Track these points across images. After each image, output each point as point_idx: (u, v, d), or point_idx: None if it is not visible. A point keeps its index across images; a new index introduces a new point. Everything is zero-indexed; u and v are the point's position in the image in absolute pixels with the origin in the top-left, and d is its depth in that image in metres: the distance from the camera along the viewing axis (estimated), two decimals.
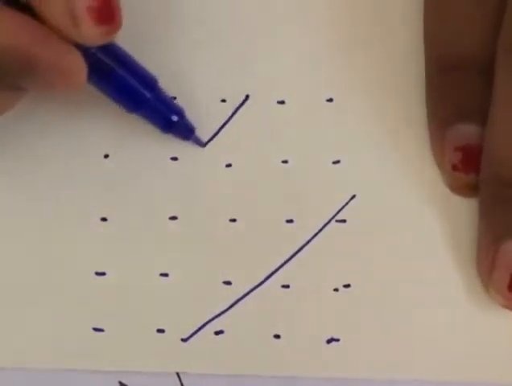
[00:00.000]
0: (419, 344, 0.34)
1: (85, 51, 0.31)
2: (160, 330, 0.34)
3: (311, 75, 0.36)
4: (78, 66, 0.30)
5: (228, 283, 0.35)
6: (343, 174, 0.36)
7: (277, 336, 0.34)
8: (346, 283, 0.35)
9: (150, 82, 0.33)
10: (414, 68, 0.36)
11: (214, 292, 0.35)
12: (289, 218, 0.35)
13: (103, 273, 0.35)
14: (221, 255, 0.35)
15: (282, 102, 0.36)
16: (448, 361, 0.34)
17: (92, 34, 0.30)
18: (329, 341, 0.34)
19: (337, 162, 0.36)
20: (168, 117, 0.34)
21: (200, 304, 0.35)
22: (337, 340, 0.34)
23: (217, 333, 0.34)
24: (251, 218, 0.35)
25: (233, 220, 0.35)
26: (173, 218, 0.35)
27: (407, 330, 0.34)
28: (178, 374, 0.34)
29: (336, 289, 0.35)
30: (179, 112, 0.34)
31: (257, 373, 0.34)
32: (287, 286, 0.35)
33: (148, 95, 0.33)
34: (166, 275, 0.35)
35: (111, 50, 0.32)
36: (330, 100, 0.36)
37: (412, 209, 0.35)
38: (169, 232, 0.35)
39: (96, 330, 0.34)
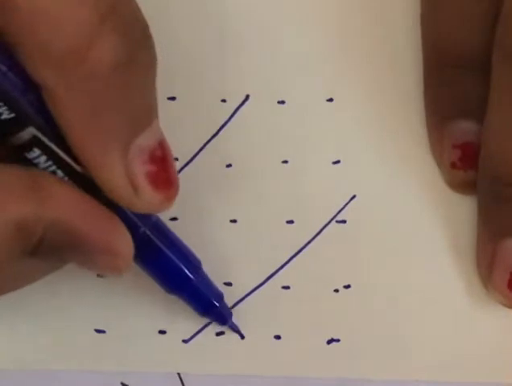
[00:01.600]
0: (419, 344, 0.35)
1: (135, 231, 0.30)
2: (162, 332, 0.35)
3: (312, 76, 0.36)
4: (127, 250, 0.29)
5: (228, 284, 0.35)
6: (343, 175, 0.36)
7: (277, 337, 0.35)
8: (346, 284, 0.35)
9: (194, 264, 0.32)
10: (414, 68, 0.36)
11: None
12: (289, 219, 0.35)
13: None
14: (222, 256, 0.35)
15: (282, 102, 0.36)
16: (448, 361, 0.34)
17: (151, 201, 0.28)
18: (329, 341, 0.35)
19: (337, 162, 0.36)
20: (208, 301, 0.33)
21: None
22: (337, 341, 0.35)
23: (218, 334, 0.35)
24: (251, 219, 0.35)
25: (234, 221, 0.35)
26: (173, 219, 0.35)
27: (407, 330, 0.35)
28: (179, 374, 0.35)
29: (336, 290, 0.35)
30: (219, 297, 0.33)
31: (258, 373, 0.34)
32: (288, 287, 0.35)
33: (192, 278, 0.32)
34: None
35: (160, 229, 0.31)
36: (330, 100, 0.36)
37: (412, 209, 0.35)
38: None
39: (98, 331, 0.35)
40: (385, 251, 0.35)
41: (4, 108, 0.27)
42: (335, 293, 0.35)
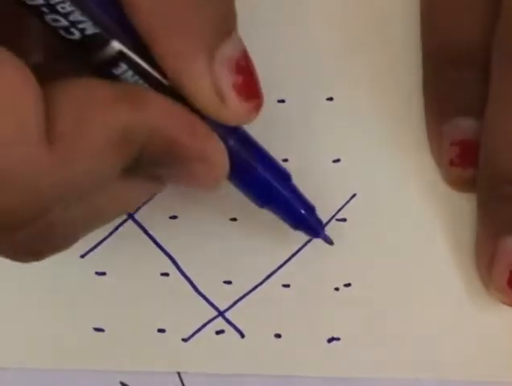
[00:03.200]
0: (419, 343, 0.34)
1: (224, 143, 0.29)
2: (161, 330, 0.34)
3: (312, 74, 0.36)
4: (223, 156, 0.29)
5: (228, 282, 0.35)
6: (343, 173, 0.36)
7: (278, 335, 0.35)
8: (347, 282, 0.35)
9: (284, 176, 0.32)
10: (414, 67, 0.36)
11: (215, 291, 0.35)
12: None
13: (103, 273, 0.35)
14: (222, 254, 0.35)
15: (282, 101, 0.36)
16: (448, 359, 0.34)
17: (239, 111, 0.28)
18: (330, 340, 0.35)
19: (337, 160, 0.36)
20: (300, 213, 0.32)
21: (200, 303, 0.35)
22: (338, 339, 0.35)
23: (218, 332, 0.35)
24: (251, 217, 0.35)
25: (234, 219, 0.35)
26: (173, 217, 0.35)
27: (407, 329, 0.35)
28: (179, 373, 0.34)
29: (336, 289, 0.35)
30: (311, 209, 0.33)
31: (257, 372, 0.34)
32: (288, 285, 0.35)
33: (283, 190, 0.31)
34: (167, 274, 0.35)
35: (248, 142, 0.31)
36: (330, 98, 0.36)
37: (412, 207, 0.35)
38: (170, 232, 0.35)
39: (96, 330, 0.34)
40: (385, 249, 0.35)
41: (88, 23, 0.26)
42: (335, 291, 0.35)
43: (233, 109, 0.28)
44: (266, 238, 0.35)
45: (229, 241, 0.35)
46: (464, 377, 0.34)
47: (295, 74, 0.36)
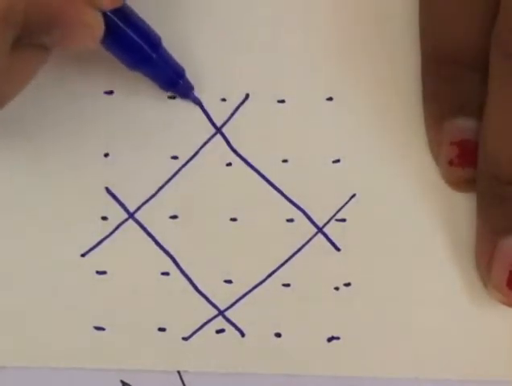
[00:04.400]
0: (418, 342, 0.35)
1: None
2: (161, 329, 0.35)
3: (311, 75, 0.36)
4: (97, 20, 0.31)
5: (229, 282, 0.35)
6: (343, 174, 0.36)
7: (278, 335, 0.35)
8: (347, 282, 0.35)
9: (154, 40, 0.34)
10: (414, 68, 0.36)
11: (215, 290, 0.35)
12: (289, 217, 0.35)
13: (104, 272, 0.35)
14: (222, 254, 0.35)
15: (282, 101, 0.36)
16: (447, 359, 0.34)
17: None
18: (330, 339, 0.35)
19: (337, 161, 0.36)
20: (170, 76, 0.35)
21: (200, 302, 0.35)
22: (338, 338, 0.35)
23: (218, 331, 0.35)
24: (252, 217, 0.35)
25: (234, 219, 0.35)
26: (174, 217, 0.35)
27: (407, 328, 0.35)
28: (179, 372, 0.34)
29: (336, 288, 0.35)
30: (181, 71, 0.35)
31: (258, 371, 0.34)
32: (288, 285, 0.35)
33: (152, 53, 0.34)
34: (167, 274, 0.35)
35: (121, 11, 0.33)
36: (330, 99, 0.36)
37: (412, 208, 0.35)
38: (170, 231, 0.35)
39: (97, 328, 0.35)
40: (385, 249, 0.35)
41: None
42: (335, 291, 0.35)
43: None
44: (266, 237, 0.35)
45: (229, 241, 0.35)
46: (464, 377, 0.34)
47: (295, 74, 0.36)
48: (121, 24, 0.33)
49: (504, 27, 0.33)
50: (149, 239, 0.35)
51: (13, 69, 0.31)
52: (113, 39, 0.33)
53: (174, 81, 0.35)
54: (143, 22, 0.34)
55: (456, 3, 0.34)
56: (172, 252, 0.35)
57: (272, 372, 0.34)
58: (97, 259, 0.35)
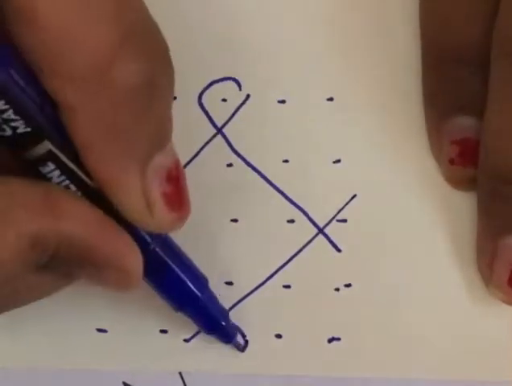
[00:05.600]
0: (419, 342, 0.35)
1: (145, 247, 0.30)
2: (163, 331, 0.35)
3: (312, 75, 0.36)
4: (136, 266, 0.29)
5: (229, 283, 0.35)
6: (343, 174, 0.36)
7: (278, 336, 0.35)
8: (347, 283, 0.35)
9: (201, 282, 0.33)
10: (415, 67, 0.36)
11: (216, 292, 0.35)
12: (290, 218, 0.35)
13: None
14: (223, 255, 0.35)
15: (282, 101, 0.36)
16: (448, 359, 0.34)
17: (165, 220, 0.29)
18: (330, 340, 0.35)
19: (338, 161, 0.36)
20: (214, 319, 0.33)
21: None
22: (338, 339, 0.35)
23: None
24: (252, 218, 0.35)
25: (235, 220, 0.35)
26: None
27: (408, 329, 0.35)
28: (181, 374, 0.35)
29: (337, 289, 0.35)
30: (225, 315, 0.34)
31: (259, 372, 0.35)
32: (288, 286, 0.35)
33: (199, 295, 0.32)
34: None
35: (169, 246, 0.32)
36: (330, 99, 0.36)
37: (413, 208, 0.35)
38: (170, 233, 0.35)
39: (99, 330, 0.35)
40: (385, 249, 0.35)
41: (21, 121, 0.27)
42: (336, 291, 0.35)
43: (159, 219, 0.29)
44: (266, 239, 0.35)
45: (230, 242, 0.35)
46: (464, 377, 0.34)
47: (295, 74, 0.36)
48: (172, 265, 0.31)
49: (504, 26, 0.33)
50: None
51: (31, 286, 0.29)
52: (158, 278, 0.31)
53: (218, 324, 0.33)
54: (191, 262, 0.32)
55: (456, 2, 0.34)
56: None
57: (273, 373, 0.34)
58: None
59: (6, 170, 0.28)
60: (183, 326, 0.35)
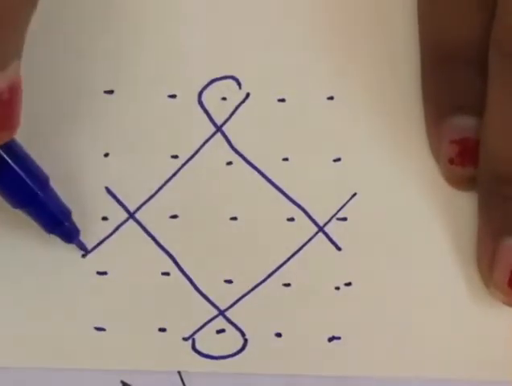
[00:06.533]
0: (419, 342, 0.35)
1: None
2: (162, 329, 0.34)
3: (312, 73, 0.36)
4: None
5: (229, 281, 0.35)
6: (344, 172, 0.36)
7: (278, 334, 0.35)
8: (347, 281, 0.35)
9: (42, 180, 0.33)
10: (414, 67, 0.36)
11: (215, 290, 0.35)
12: (290, 216, 0.35)
13: (105, 273, 0.35)
14: (222, 253, 0.35)
15: (282, 100, 0.36)
16: (448, 358, 0.34)
17: None
18: (330, 339, 0.35)
19: (338, 159, 0.36)
20: (55, 218, 0.33)
21: (201, 302, 0.35)
22: (338, 338, 0.35)
23: (219, 332, 0.35)
24: (252, 216, 0.35)
25: (234, 218, 0.35)
26: (174, 216, 0.35)
27: (408, 328, 0.35)
28: (179, 372, 0.34)
29: (337, 288, 0.35)
30: (66, 214, 0.34)
31: (258, 372, 0.34)
32: (288, 285, 0.35)
33: (39, 193, 0.33)
34: (167, 274, 0.35)
35: (8, 146, 0.32)
36: (331, 98, 0.36)
37: (413, 207, 0.35)
38: (170, 231, 0.35)
39: (97, 329, 0.35)
40: (385, 248, 0.35)
41: None
42: (336, 290, 0.35)
43: None
44: (266, 237, 0.35)
45: (229, 240, 0.35)
46: (464, 377, 0.34)
47: (295, 73, 0.36)
48: (8, 161, 0.32)
49: (501, 26, 0.33)
50: (149, 239, 0.35)
51: None
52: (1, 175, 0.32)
53: (58, 223, 0.34)
54: (31, 160, 0.33)
55: (455, 2, 0.34)
56: (172, 252, 0.35)
57: (273, 372, 0.34)
58: (97, 259, 0.35)
59: None
60: (182, 324, 0.34)
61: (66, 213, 0.34)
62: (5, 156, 0.32)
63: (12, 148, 0.32)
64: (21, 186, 0.32)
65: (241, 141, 0.36)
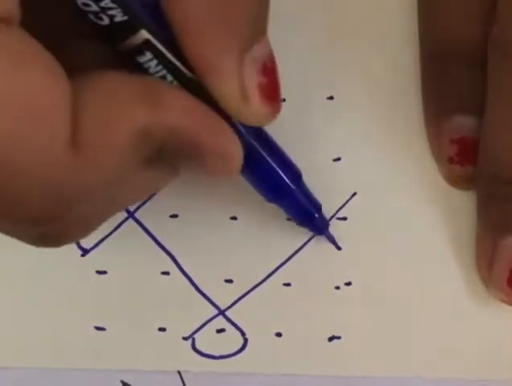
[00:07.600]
0: (419, 342, 0.34)
1: (240, 139, 0.29)
2: (162, 329, 0.34)
3: (312, 73, 0.36)
4: (238, 152, 0.28)
5: (229, 281, 0.35)
6: (343, 172, 0.36)
7: (278, 334, 0.35)
8: (347, 281, 0.35)
9: (295, 174, 0.33)
10: (414, 66, 0.36)
11: (215, 290, 0.35)
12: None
13: (104, 272, 0.35)
14: (223, 253, 0.35)
15: (282, 100, 0.36)
16: (448, 357, 0.34)
17: (259, 111, 0.28)
18: (331, 339, 0.35)
19: (338, 159, 0.36)
20: (308, 211, 0.33)
21: (201, 302, 0.35)
22: (338, 338, 0.35)
23: (219, 331, 0.35)
24: (252, 216, 0.35)
25: (234, 218, 0.35)
26: (174, 216, 0.35)
27: (408, 327, 0.35)
28: (179, 372, 0.34)
29: (337, 287, 0.35)
30: (318, 207, 0.34)
31: (258, 371, 0.34)
32: (289, 284, 0.35)
33: (293, 187, 0.32)
34: (167, 273, 0.35)
35: (263, 138, 0.31)
36: (330, 98, 0.36)
37: (413, 207, 0.35)
38: (170, 231, 0.35)
39: (97, 329, 0.34)
40: (385, 248, 0.35)
41: (117, 10, 0.26)
42: (336, 290, 0.35)
43: (254, 110, 0.28)
44: (266, 237, 0.35)
45: (229, 240, 0.35)
46: (464, 376, 0.34)
47: (295, 73, 0.36)
48: (266, 156, 0.31)
49: (500, 27, 0.33)
50: (149, 238, 0.35)
51: (136, 185, 0.28)
52: (252, 170, 0.31)
53: (310, 216, 0.34)
54: (285, 154, 0.32)
55: (455, 2, 0.34)
56: (172, 252, 0.35)
57: (273, 372, 0.34)
58: (97, 258, 0.35)
59: (101, 64, 0.27)
60: (181, 323, 0.34)
61: (317, 206, 0.34)
62: (263, 152, 0.31)
63: (268, 142, 0.31)
64: (278, 180, 0.32)
65: None
